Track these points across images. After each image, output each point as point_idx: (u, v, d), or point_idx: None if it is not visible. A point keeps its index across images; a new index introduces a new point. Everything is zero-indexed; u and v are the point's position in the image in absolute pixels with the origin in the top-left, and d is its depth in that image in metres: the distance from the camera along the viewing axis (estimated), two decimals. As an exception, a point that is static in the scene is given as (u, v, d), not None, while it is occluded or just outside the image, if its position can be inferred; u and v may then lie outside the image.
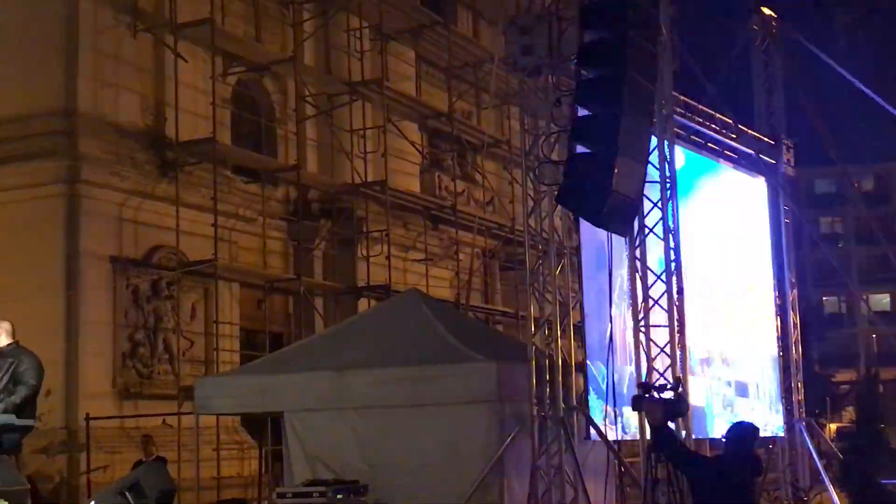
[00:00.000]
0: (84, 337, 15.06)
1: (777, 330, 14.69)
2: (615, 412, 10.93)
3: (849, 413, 31.17)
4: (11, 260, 15.01)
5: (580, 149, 9.19)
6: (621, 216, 9.44)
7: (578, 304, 11.34)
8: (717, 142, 13.59)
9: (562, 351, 10.62)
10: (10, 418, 9.44)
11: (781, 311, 14.77)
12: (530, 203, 10.95)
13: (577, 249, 11.50)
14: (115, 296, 15.61)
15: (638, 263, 10.86)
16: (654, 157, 10.72)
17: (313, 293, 18.80)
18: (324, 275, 19.12)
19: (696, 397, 11.31)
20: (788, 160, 15.22)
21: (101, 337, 15.37)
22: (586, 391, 11.27)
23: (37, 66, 15.43)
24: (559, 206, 10.37)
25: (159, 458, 12.52)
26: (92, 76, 15.58)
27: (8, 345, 9.90)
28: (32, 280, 14.84)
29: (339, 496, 9.91)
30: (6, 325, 9.97)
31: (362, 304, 18.63)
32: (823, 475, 14.13)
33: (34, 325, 12.55)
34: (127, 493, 8.46)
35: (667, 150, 11.04)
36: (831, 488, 13.89)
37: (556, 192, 9.87)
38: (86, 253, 15.23)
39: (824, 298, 55.37)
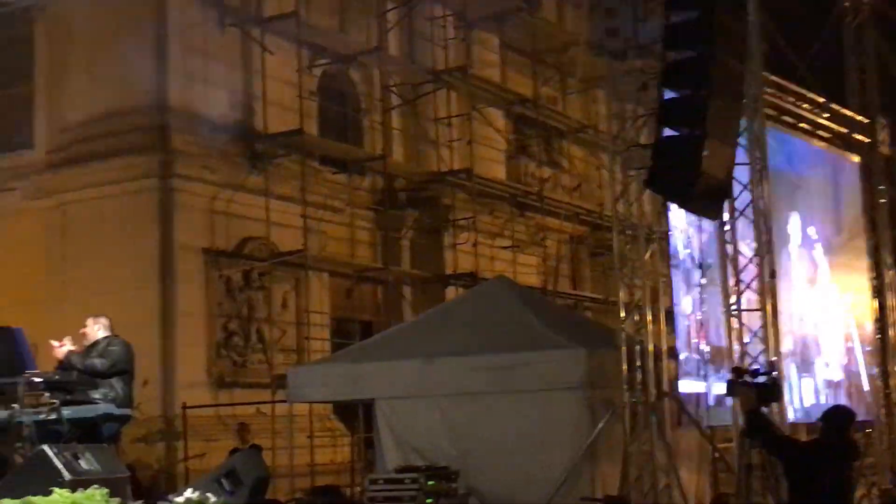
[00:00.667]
0: (179, 327, 15.33)
1: (874, 312, 14.37)
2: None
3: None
4: (108, 253, 15.35)
5: (668, 132, 9.09)
6: (711, 199, 9.33)
7: (668, 289, 11.23)
8: (808, 121, 13.33)
9: (652, 336, 10.53)
10: (109, 408, 9.68)
11: (878, 293, 14.45)
12: (618, 188, 10.87)
13: (667, 234, 11.38)
14: (208, 287, 15.86)
15: (729, 247, 10.72)
16: (743, 139, 10.55)
17: (401, 282, 18.90)
18: (411, 263, 19.20)
19: (787, 382, 11.12)
20: (883, 139, 14.87)
21: (195, 327, 15.62)
22: (678, 377, 11.17)
23: (128, 63, 15.71)
24: (648, 191, 10.27)
25: (254, 445, 12.72)
26: (182, 72, 15.83)
27: (105, 337, 10.15)
28: (128, 272, 15.15)
29: (430, 482, 9.96)
30: (104, 320, 10.23)
31: (450, 293, 18.66)
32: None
33: (131, 316, 12.85)
34: (223, 481, 8.62)
35: (757, 130, 10.85)
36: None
37: (644, 177, 9.78)
38: (179, 245, 15.49)
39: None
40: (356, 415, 15.09)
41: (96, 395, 9.50)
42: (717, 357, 11.53)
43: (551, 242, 21.28)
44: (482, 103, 20.02)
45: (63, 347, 9.58)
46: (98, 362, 9.39)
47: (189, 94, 15.94)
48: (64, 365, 9.59)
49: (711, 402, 11.40)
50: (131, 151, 15.59)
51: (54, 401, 9.22)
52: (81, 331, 10.14)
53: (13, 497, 6.32)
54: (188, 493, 7.28)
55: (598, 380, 10.75)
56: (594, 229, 21.85)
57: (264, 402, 15.39)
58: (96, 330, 10.10)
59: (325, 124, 18.30)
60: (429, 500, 9.92)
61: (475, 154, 19.18)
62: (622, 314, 10.53)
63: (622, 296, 10.60)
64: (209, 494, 7.36)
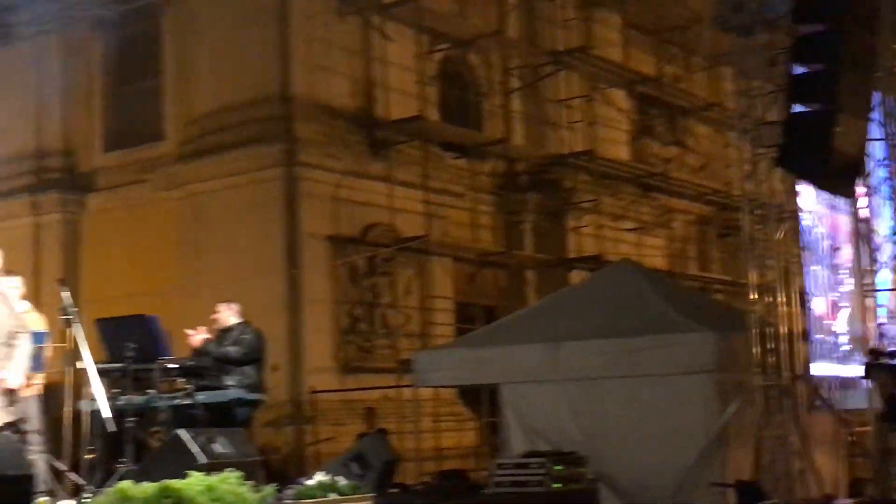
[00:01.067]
0: (306, 314, 15.55)
1: None
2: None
3: None
4: (236, 242, 15.65)
5: (798, 108, 8.83)
6: (844, 177, 9.05)
7: (800, 270, 10.92)
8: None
9: (784, 318, 10.26)
10: (242, 392, 9.88)
11: None
12: (747, 167, 10.60)
13: (798, 213, 11.06)
14: (333, 274, 16.05)
15: (863, 225, 10.38)
16: (876, 113, 10.20)
17: (524, 266, 18.83)
18: (534, 247, 19.12)
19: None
20: None
21: (321, 313, 15.82)
22: (810, 359, 10.87)
23: (252, 55, 15.99)
24: (778, 169, 9.99)
25: (381, 429, 12.83)
26: (304, 61, 16.02)
27: (238, 324, 10.36)
28: (256, 261, 15.43)
29: (557, 467, 9.90)
30: (235, 306, 10.45)
31: (573, 276, 18.53)
32: None
33: (259, 303, 13.09)
34: (352, 464, 8.72)
35: (890, 104, 10.47)
36: None
37: (773, 155, 9.52)
38: (304, 233, 15.70)
39: None
40: (481, 399, 15.10)
41: (229, 380, 9.71)
42: (851, 339, 11.20)
43: (677, 224, 20.94)
44: (604, 84, 19.78)
45: (198, 336, 9.81)
46: (232, 350, 9.61)
47: (311, 83, 16.13)
48: (199, 352, 9.84)
49: (846, 384, 11.09)
50: (257, 141, 15.84)
51: (188, 386, 9.46)
52: (213, 316, 10.38)
53: (151, 480, 6.47)
54: (319, 476, 7.37)
55: (729, 363, 10.53)
56: (721, 209, 21.41)
57: (390, 387, 15.52)
58: (228, 316, 10.32)
59: (446, 109, 18.32)
60: (556, 485, 9.85)
61: (597, 135, 18.97)
62: (753, 296, 10.28)
63: (752, 277, 10.35)
64: (339, 478, 7.43)
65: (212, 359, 9.87)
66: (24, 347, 7.66)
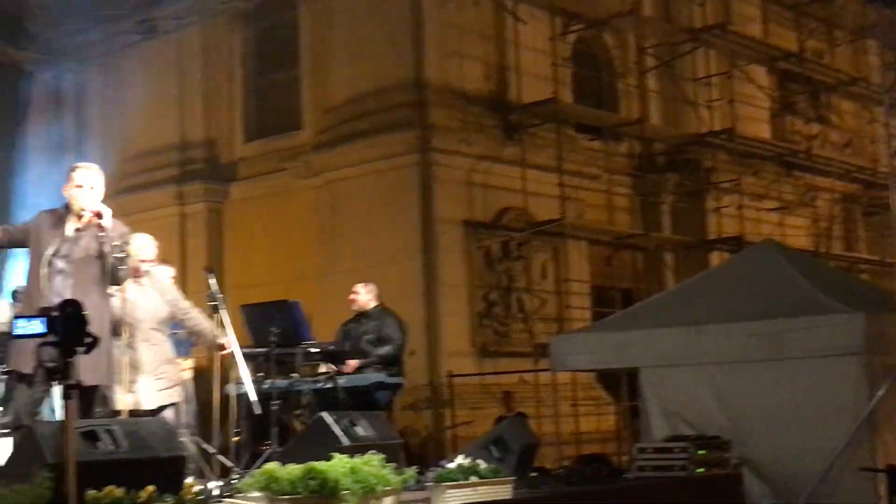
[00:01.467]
0: (442, 299, 15.63)
1: None
2: None
3: None
4: (372, 228, 15.83)
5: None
6: None
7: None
8: None
9: (938, 298, 9.86)
10: (381, 376, 10.01)
11: None
12: (894, 142, 10.22)
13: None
14: (468, 258, 16.09)
15: None
16: None
17: (662, 248, 18.55)
18: (672, 229, 18.81)
19: None
20: None
21: (457, 298, 15.89)
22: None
23: (387, 42, 16.12)
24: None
25: (520, 413, 12.82)
26: (437, 47, 16.07)
27: (375, 307, 10.49)
28: (392, 246, 15.58)
29: (700, 452, 9.71)
30: (373, 288, 10.58)
31: (713, 258, 18.18)
32: None
33: (396, 288, 13.23)
34: (492, 448, 8.69)
35: None
36: None
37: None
38: (440, 218, 15.77)
39: None
40: (620, 383, 14.95)
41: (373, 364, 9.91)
42: None
43: (822, 202, 20.32)
44: (743, 60, 19.31)
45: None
46: (389, 349, 9.96)
47: (445, 69, 16.17)
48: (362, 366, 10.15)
49: None
50: (391, 128, 15.98)
51: (330, 370, 9.63)
52: (351, 297, 10.53)
53: (296, 461, 6.58)
54: (459, 459, 7.38)
55: (878, 345, 10.15)
56: (868, 187, 20.70)
57: (527, 371, 15.50)
58: (367, 299, 10.47)
59: (580, 91, 18.15)
60: (699, 470, 9.67)
61: (737, 113, 18.53)
62: (903, 275, 9.92)
63: (903, 256, 9.98)
64: (479, 461, 7.43)
65: (352, 344, 10.06)
66: (199, 317, 8.01)
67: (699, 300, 11.61)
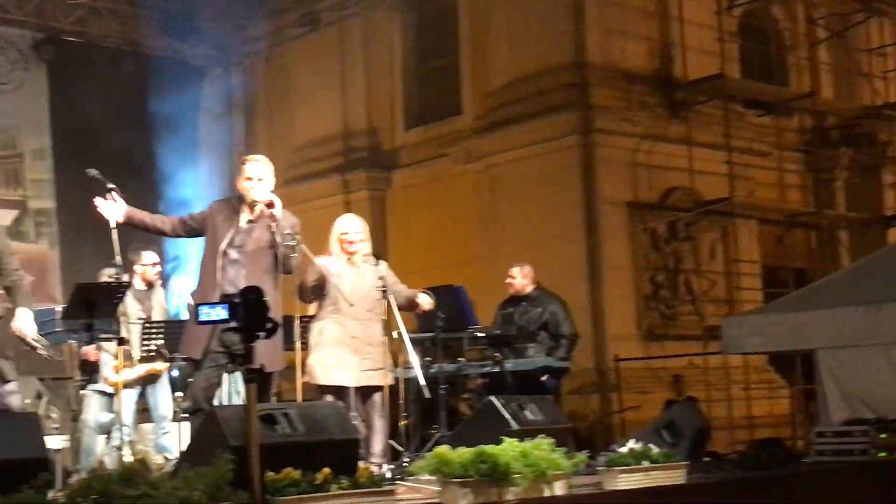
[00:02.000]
0: (606, 281, 15.43)
1: None
2: None
3: None
4: (534, 212, 15.74)
5: None
6: None
7: None
8: None
9: None
10: (548, 360, 9.95)
11: None
12: None
13: None
14: (633, 240, 15.84)
15: None
16: None
17: (836, 226, 17.88)
18: (847, 205, 18.11)
19: None
20: None
21: (622, 281, 15.67)
22: None
23: (547, 24, 15.98)
24: None
25: (690, 397, 12.56)
26: (599, 26, 15.84)
27: (534, 290, 10.42)
28: (554, 229, 15.46)
29: (882, 435, 9.33)
30: (529, 271, 10.47)
31: (892, 234, 17.45)
32: None
33: (559, 272, 13.13)
34: (663, 432, 8.56)
35: None
36: None
37: None
38: (602, 200, 15.57)
39: None
40: (794, 365, 14.48)
41: (532, 349, 9.84)
42: None
43: None
44: (920, 28, 18.44)
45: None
46: (567, 340, 9.94)
47: (607, 48, 15.93)
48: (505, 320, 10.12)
49: None
50: (552, 110, 15.83)
51: (497, 354, 9.63)
52: (507, 281, 10.50)
53: (466, 445, 6.60)
54: (631, 443, 7.28)
55: None
56: None
57: (697, 354, 15.18)
58: (524, 282, 10.42)
59: (747, 66, 17.61)
60: (881, 454, 9.29)
61: (914, 83, 17.72)
62: None
63: None
64: (651, 445, 7.31)
65: (517, 327, 10.03)
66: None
67: (878, 278, 11.15)
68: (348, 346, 7.87)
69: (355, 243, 8.16)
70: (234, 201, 7.42)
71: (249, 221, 7.28)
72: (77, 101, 15.85)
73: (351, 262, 8.12)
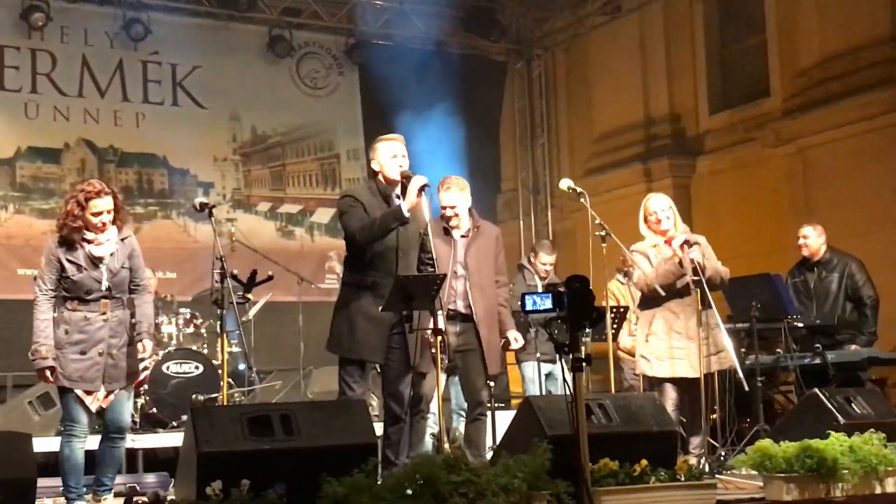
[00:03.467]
0: (934, 267, 14.42)
1: None
2: None
3: None
4: (850, 195, 14.90)
5: None
6: None
7: None
8: None
9: None
10: (873, 352, 9.43)
11: None
12: None
13: None
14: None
15: None
16: None
17: None
18: None
19: None
20: None
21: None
22: None
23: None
24: None
25: None
26: (919, -4, 14.84)
27: (827, 251, 9.91)
28: (873, 214, 14.60)
29: None
30: (822, 229, 9.95)
31: None
32: None
33: (877, 258, 12.33)
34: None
35: None
36: None
37: None
38: (925, 182, 14.55)
39: None
40: None
41: (861, 338, 9.36)
42: None
43: None
44: None
45: None
46: (871, 306, 9.50)
47: (927, 20, 14.88)
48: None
49: None
50: (869, 88, 14.94)
51: (818, 345, 9.22)
52: (800, 243, 10.06)
53: (788, 439, 6.37)
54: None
55: None
56: None
57: None
58: (820, 242, 9.95)
59: None
60: None
61: None
62: None
63: None
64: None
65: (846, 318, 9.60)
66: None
67: None
68: (680, 335, 7.77)
69: (663, 222, 8.04)
70: None
71: None
72: (386, 101, 16.51)
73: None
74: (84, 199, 7.34)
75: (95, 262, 7.37)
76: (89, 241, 7.39)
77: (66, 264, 7.32)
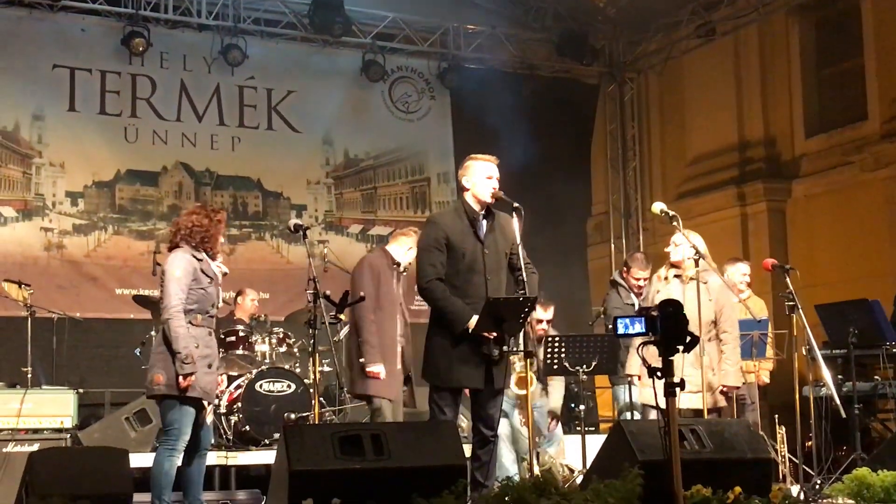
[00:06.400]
0: None
1: None
2: None
3: None
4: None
5: None
6: None
7: None
8: None
9: None
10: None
11: None
12: None
13: None
14: None
15: None
16: None
17: None
18: None
19: None
20: None
21: None
22: None
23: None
24: None
25: None
26: None
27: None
28: None
29: None
30: None
31: None
32: None
33: None
34: None
35: None
36: None
37: None
38: None
39: None
40: None
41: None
42: None
43: None
44: None
45: None
46: None
47: None
48: None
49: None
50: (971, 110, 14.61)
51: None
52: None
53: (887, 468, 6.22)
54: None
55: None
56: None
57: None
58: None
59: None
60: None
61: None
62: None
63: None
64: None
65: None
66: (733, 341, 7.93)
67: None
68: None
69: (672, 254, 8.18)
70: None
71: None
72: (476, 124, 16.56)
73: (682, 282, 8.06)
74: (213, 214, 7.48)
75: (214, 278, 7.47)
76: (213, 258, 7.50)
77: (201, 275, 7.34)
